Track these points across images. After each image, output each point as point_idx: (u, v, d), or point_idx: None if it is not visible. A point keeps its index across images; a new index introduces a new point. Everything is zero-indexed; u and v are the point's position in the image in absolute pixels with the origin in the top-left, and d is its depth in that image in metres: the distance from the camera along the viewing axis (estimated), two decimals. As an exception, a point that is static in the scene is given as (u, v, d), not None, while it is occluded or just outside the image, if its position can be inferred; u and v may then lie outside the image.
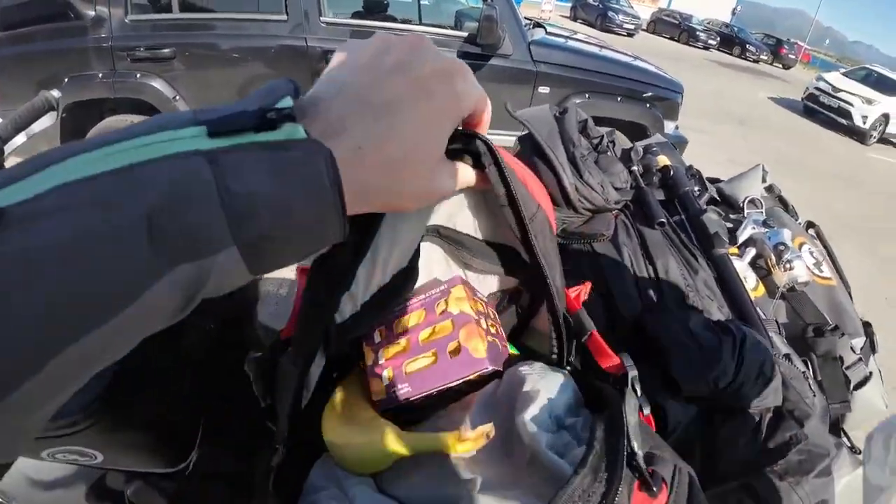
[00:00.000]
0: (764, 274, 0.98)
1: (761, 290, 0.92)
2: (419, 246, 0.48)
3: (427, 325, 0.47)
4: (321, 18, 2.86)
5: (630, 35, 19.88)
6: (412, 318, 0.49)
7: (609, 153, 0.80)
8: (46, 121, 1.09)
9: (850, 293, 1.14)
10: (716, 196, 1.07)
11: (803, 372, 0.83)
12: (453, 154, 0.36)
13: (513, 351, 0.52)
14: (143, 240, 0.21)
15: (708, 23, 29.01)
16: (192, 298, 0.24)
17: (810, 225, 1.28)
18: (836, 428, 0.91)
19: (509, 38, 3.03)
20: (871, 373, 1.03)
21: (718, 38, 24.46)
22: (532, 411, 0.40)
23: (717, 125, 8.24)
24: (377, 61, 0.31)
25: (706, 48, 23.31)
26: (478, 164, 0.37)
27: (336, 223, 0.26)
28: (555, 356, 0.47)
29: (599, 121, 1.02)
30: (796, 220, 1.23)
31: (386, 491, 0.42)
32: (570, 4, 23.31)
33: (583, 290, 0.50)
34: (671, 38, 23.68)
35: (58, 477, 0.71)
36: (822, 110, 11.43)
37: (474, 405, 0.45)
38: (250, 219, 0.23)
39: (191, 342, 0.73)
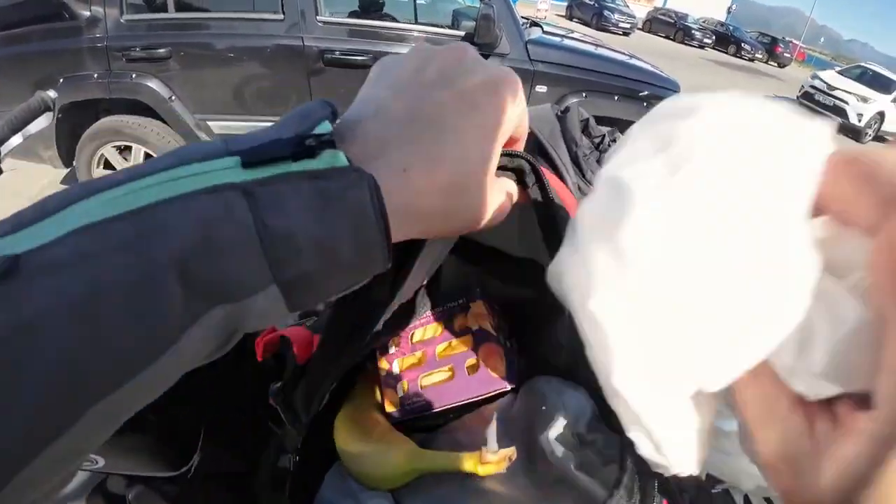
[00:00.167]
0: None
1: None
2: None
3: (444, 339, 0.46)
4: (318, 17, 2.85)
5: (626, 34, 19.91)
6: (428, 331, 0.47)
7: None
8: (43, 121, 1.09)
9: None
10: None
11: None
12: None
13: None
14: (175, 286, 0.19)
15: (703, 22, 29.09)
16: (229, 340, 0.22)
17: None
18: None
19: (506, 38, 3.03)
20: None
21: (714, 37, 24.54)
22: (556, 430, 0.39)
23: (713, 124, 8.23)
24: (417, 75, 0.29)
25: (702, 47, 23.38)
26: (519, 181, 0.35)
27: (380, 254, 0.24)
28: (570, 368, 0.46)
29: (597, 120, 1.02)
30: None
31: None
32: (565, 3, 23.36)
33: None
34: (667, 37, 23.73)
35: (58, 481, 0.70)
36: (817, 108, 11.46)
37: (493, 421, 0.43)
38: (291, 257, 0.21)
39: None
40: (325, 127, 0.24)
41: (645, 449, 0.21)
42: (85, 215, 0.19)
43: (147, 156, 2.92)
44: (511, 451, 0.37)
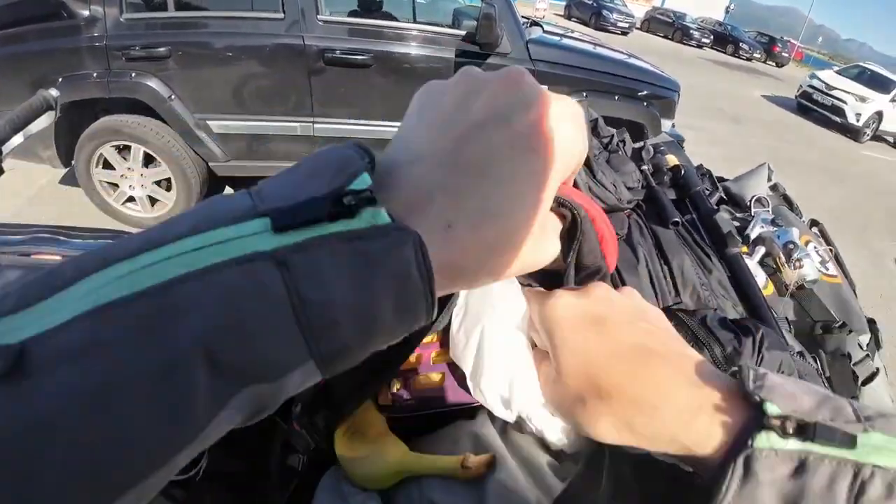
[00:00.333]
0: (771, 272, 0.98)
1: (770, 288, 0.92)
2: None
3: (440, 345, 0.47)
4: (318, 16, 2.84)
5: (624, 33, 19.93)
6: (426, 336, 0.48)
7: (620, 152, 0.80)
8: (44, 120, 1.08)
9: (854, 290, 1.15)
10: (723, 195, 1.07)
11: (816, 369, 0.83)
12: None
13: None
14: (201, 372, 0.17)
15: (701, 21, 29.13)
16: (261, 413, 0.20)
17: (814, 223, 1.29)
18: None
19: (507, 37, 3.02)
20: (877, 369, 1.04)
21: (712, 37, 24.56)
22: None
23: (711, 123, 8.26)
24: (464, 109, 0.25)
25: (700, 46, 23.39)
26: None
27: (424, 312, 0.22)
28: None
29: (599, 120, 1.02)
30: (800, 218, 1.23)
31: None
32: (564, 3, 23.35)
33: None
34: (665, 37, 23.74)
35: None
36: (815, 108, 11.49)
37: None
38: (330, 330, 0.19)
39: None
40: (364, 181, 0.21)
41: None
42: (96, 293, 0.17)
43: (146, 155, 2.91)
44: (489, 458, 0.39)
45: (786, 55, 27.01)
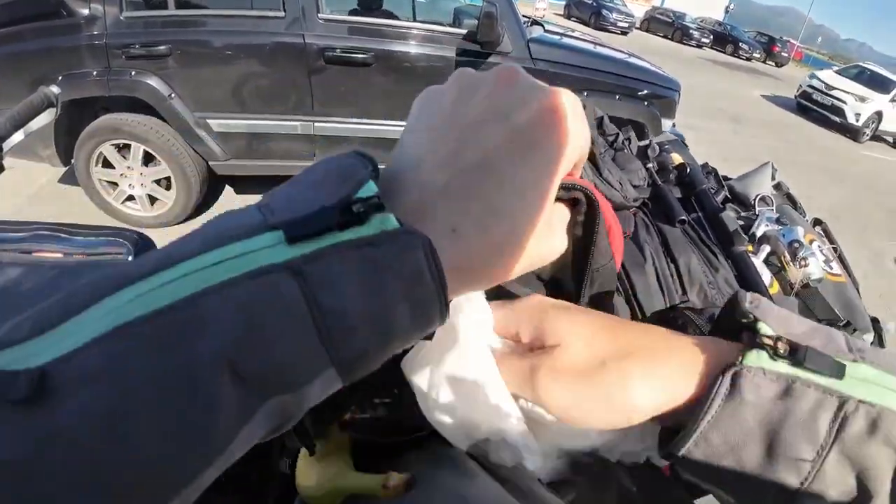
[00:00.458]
0: (776, 270, 0.97)
1: (776, 286, 0.92)
2: None
3: None
4: (319, 15, 2.83)
5: (624, 33, 19.93)
6: None
7: (625, 150, 0.79)
8: (45, 117, 1.07)
9: (857, 289, 1.14)
10: (727, 194, 1.07)
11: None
12: None
13: None
14: (225, 386, 0.17)
15: (701, 21, 29.14)
16: (285, 424, 0.21)
17: (817, 222, 1.28)
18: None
19: (508, 36, 3.01)
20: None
21: (711, 37, 24.57)
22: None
23: (711, 123, 8.27)
24: (461, 110, 0.25)
25: (699, 46, 23.39)
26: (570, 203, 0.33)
27: (436, 315, 0.22)
28: None
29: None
30: (804, 217, 1.23)
31: None
32: (563, 2, 23.34)
33: None
34: (665, 37, 23.75)
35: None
36: (815, 108, 11.49)
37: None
38: (348, 337, 0.20)
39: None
40: (370, 188, 0.22)
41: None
42: (114, 314, 0.17)
43: (146, 154, 2.90)
44: (408, 478, 0.39)
45: (785, 55, 27.03)
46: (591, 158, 0.71)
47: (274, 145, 3.08)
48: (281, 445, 0.64)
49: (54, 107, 1.05)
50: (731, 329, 0.29)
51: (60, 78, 2.65)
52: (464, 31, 3.05)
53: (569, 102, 0.25)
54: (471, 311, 0.32)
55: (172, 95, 2.80)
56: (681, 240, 0.72)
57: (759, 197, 1.04)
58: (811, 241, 1.03)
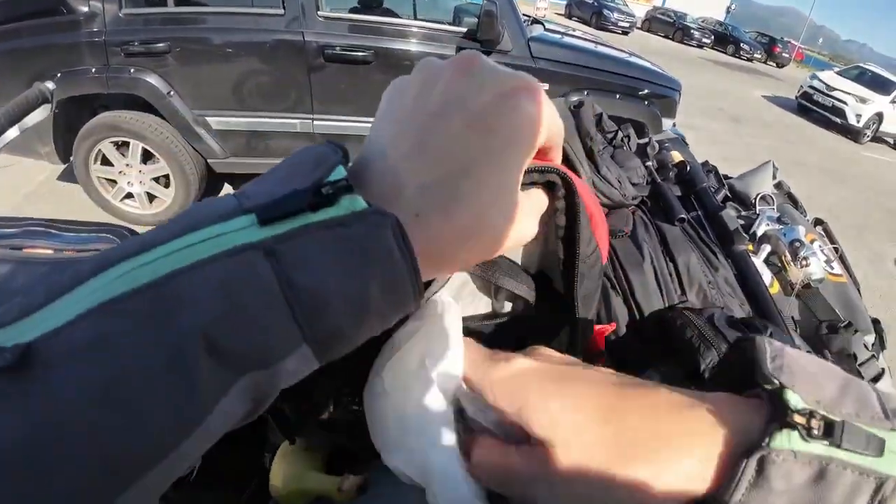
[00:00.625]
0: (776, 270, 0.97)
1: (776, 286, 0.91)
2: None
3: None
4: (318, 13, 2.82)
5: (625, 33, 19.92)
6: None
7: (625, 148, 0.78)
8: (40, 114, 1.06)
9: (859, 290, 1.14)
10: (727, 192, 1.06)
11: (822, 371, 0.81)
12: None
13: None
14: (203, 360, 0.18)
15: (702, 21, 29.13)
16: (262, 403, 0.21)
17: (818, 222, 1.27)
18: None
19: (508, 34, 3.00)
20: (883, 369, 1.02)
21: (713, 37, 24.57)
22: None
23: (712, 123, 8.26)
24: (422, 101, 0.25)
25: (700, 46, 23.39)
26: (548, 188, 0.32)
27: (411, 296, 0.23)
28: None
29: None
30: (805, 216, 1.22)
31: None
32: (564, 2, 23.33)
33: (608, 330, 0.47)
34: (666, 37, 23.75)
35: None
36: (816, 109, 11.49)
37: None
38: (320, 313, 0.20)
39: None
40: (339, 172, 0.23)
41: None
42: (98, 293, 0.18)
43: (145, 152, 2.89)
44: (359, 481, 0.39)
45: (786, 56, 27.01)
46: (590, 156, 0.71)
47: (273, 143, 3.07)
48: (265, 441, 0.63)
49: (49, 103, 1.04)
50: (744, 380, 0.26)
51: (59, 75, 2.64)
52: (464, 30, 3.04)
53: (527, 87, 0.25)
54: (443, 365, 0.29)
55: (171, 93, 2.80)
56: (680, 239, 0.71)
57: (759, 196, 1.03)
58: (812, 241, 1.02)
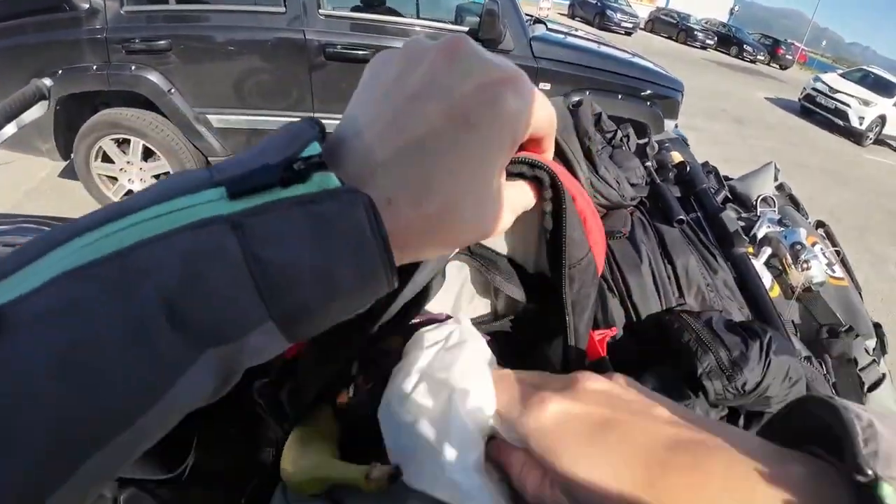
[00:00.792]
0: (777, 273, 0.96)
1: (777, 290, 0.90)
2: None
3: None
4: (320, 11, 2.82)
5: (628, 34, 19.89)
6: (396, 340, 0.45)
7: (624, 148, 0.77)
8: (38, 110, 1.06)
9: (860, 293, 1.13)
10: (728, 194, 1.05)
11: (823, 374, 0.80)
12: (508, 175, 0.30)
13: None
14: (165, 330, 0.18)
15: (706, 22, 29.09)
16: (227, 381, 0.21)
17: (820, 224, 1.26)
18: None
19: (510, 34, 3.00)
20: (884, 374, 1.01)
21: (716, 38, 24.52)
22: None
23: (714, 124, 8.25)
24: (402, 82, 0.24)
25: (704, 48, 23.35)
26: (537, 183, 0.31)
27: (383, 277, 0.22)
28: None
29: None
30: (806, 219, 1.21)
31: None
32: (567, 2, 23.31)
33: (608, 335, 0.46)
34: (669, 38, 23.71)
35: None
36: (818, 111, 11.46)
37: None
38: (287, 289, 0.20)
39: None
40: (314, 148, 0.22)
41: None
42: (66, 260, 0.18)
43: (146, 149, 2.89)
44: (390, 470, 0.37)
45: (789, 57, 26.95)
46: (588, 155, 0.70)
47: (274, 142, 3.06)
48: (263, 437, 0.63)
49: (46, 99, 1.04)
50: (799, 439, 0.24)
51: (60, 72, 2.64)
52: (466, 29, 3.03)
53: (512, 78, 0.25)
54: (473, 397, 0.31)
55: (172, 90, 2.80)
56: (679, 240, 0.70)
57: (760, 198, 1.02)
58: (813, 244, 1.01)
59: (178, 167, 2.93)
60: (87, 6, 2.62)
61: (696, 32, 23.34)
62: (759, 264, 0.87)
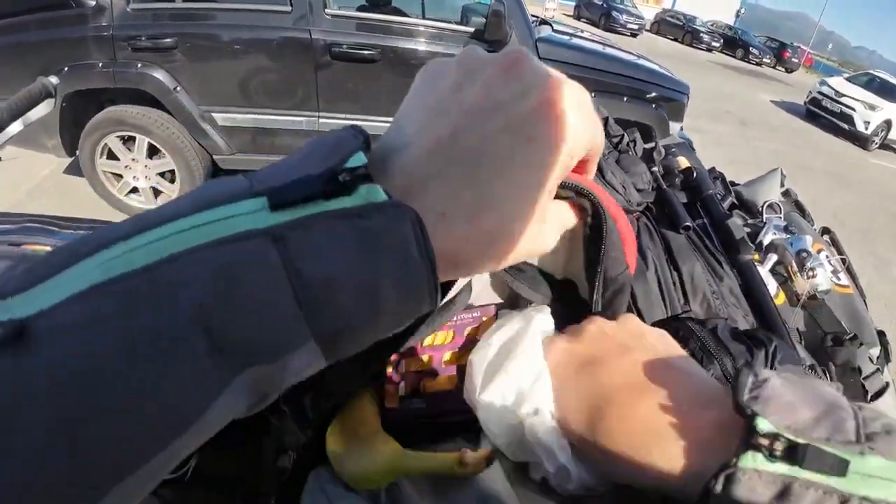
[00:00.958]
0: (782, 280, 0.95)
1: (782, 297, 0.89)
2: None
3: (452, 347, 0.45)
4: (326, 10, 2.82)
5: (633, 35, 19.84)
6: (438, 337, 0.46)
7: (630, 153, 0.77)
8: (44, 108, 1.06)
9: (865, 301, 1.12)
10: (734, 200, 1.04)
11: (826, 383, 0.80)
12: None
13: None
14: (199, 349, 0.17)
15: (712, 24, 28.99)
16: (264, 399, 0.20)
17: (825, 231, 1.26)
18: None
19: (516, 35, 2.99)
20: (887, 383, 1.01)
21: (722, 41, 24.43)
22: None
23: (719, 126, 8.23)
24: (460, 94, 0.24)
25: (709, 50, 23.27)
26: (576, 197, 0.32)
27: (426, 297, 0.22)
28: None
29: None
30: (812, 225, 1.21)
31: None
32: (573, 3, 23.26)
33: None
34: (675, 40, 23.65)
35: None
36: (824, 115, 11.41)
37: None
38: (329, 307, 0.19)
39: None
40: (359, 159, 0.21)
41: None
42: (96, 271, 0.17)
43: (151, 147, 2.89)
44: (487, 452, 0.38)
45: (795, 61, 26.85)
46: (595, 161, 0.70)
47: (278, 140, 3.07)
48: (272, 443, 0.63)
49: (52, 97, 1.03)
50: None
51: (66, 69, 2.65)
52: (471, 30, 3.03)
53: (575, 95, 0.24)
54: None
55: (178, 88, 2.80)
56: (685, 247, 0.70)
57: (766, 204, 1.02)
58: (819, 251, 1.01)
59: (182, 165, 2.93)
60: (93, 3, 2.63)
61: (701, 34, 23.27)
62: (764, 271, 0.87)
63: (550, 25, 3.75)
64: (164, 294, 0.17)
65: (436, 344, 0.46)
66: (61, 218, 0.67)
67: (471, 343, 0.44)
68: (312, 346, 0.19)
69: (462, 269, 0.25)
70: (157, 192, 3.06)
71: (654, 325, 0.65)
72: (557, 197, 0.29)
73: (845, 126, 10.79)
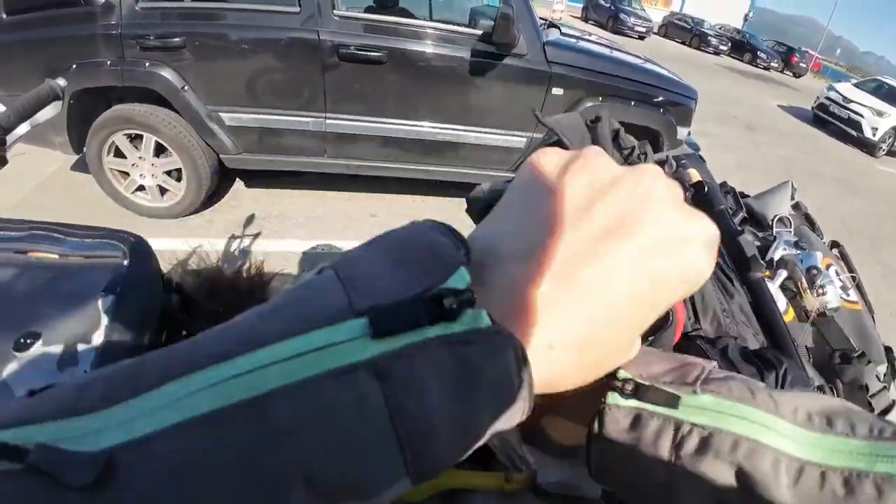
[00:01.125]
0: (791, 296, 0.95)
1: (791, 314, 0.89)
2: None
3: None
4: (334, 12, 2.82)
5: (641, 38, 19.78)
6: None
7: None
8: (51, 110, 1.06)
9: (873, 316, 1.11)
10: (745, 214, 1.04)
11: (837, 403, 0.79)
12: None
13: None
14: (300, 496, 0.16)
15: (720, 28, 28.86)
16: None
17: (834, 244, 1.25)
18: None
19: (524, 38, 2.99)
20: (894, 401, 1.00)
21: (730, 44, 24.34)
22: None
23: (727, 130, 8.19)
24: (587, 213, 0.22)
25: (717, 53, 23.20)
26: None
27: (516, 420, 0.21)
28: None
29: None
30: (821, 238, 1.20)
31: None
32: (581, 5, 23.21)
33: None
34: (682, 43, 23.57)
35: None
36: (831, 120, 11.35)
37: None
38: (428, 444, 0.18)
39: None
40: (462, 278, 0.20)
41: None
42: (186, 401, 0.16)
43: (158, 145, 2.90)
44: (532, 473, 0.38)
45: (803, 65, 26.72)
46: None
47: (285, 141, 3.07)
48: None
49: (60, 99, 1.04)
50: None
51: (75, 66, 2.66)
52: (479, 32, 3.02)
53: (705, 234, 0.24)
54: None
55: (186, 88, 2.80)
56: (695, 264, 0.69)
57: (777, 218, 1.01)
58: (828, 266, 1.00)
59: (189, 164, 2.94)
60: (102, 1, 2.63)
61: (709, 38, 23.19)
62: (774, 287, 0.86)
63: (558, 28, 3.73)
64: (266, 441, 0.16)
65: None
66: (67, 225, 0.66)
67: None
68: (405, 483, 0.19)
69: (552, 390, 0.24)
70: (163, 191, 3.07)
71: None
72: None
73: (853, 132, 10.72)
